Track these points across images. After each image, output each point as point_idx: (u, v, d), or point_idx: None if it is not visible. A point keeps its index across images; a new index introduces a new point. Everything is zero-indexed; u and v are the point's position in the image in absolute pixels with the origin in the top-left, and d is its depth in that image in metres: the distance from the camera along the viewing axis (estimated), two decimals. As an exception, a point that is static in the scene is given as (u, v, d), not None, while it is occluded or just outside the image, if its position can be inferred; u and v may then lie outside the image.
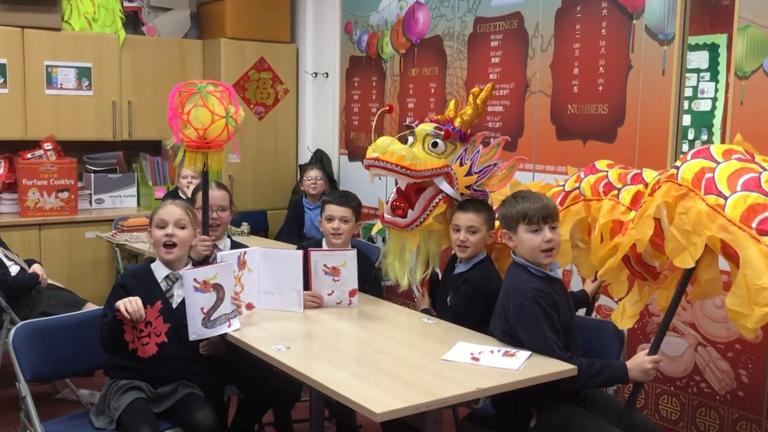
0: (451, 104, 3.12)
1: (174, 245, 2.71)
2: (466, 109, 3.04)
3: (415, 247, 3.06)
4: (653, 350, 2.49)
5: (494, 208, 3.01)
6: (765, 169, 2.22)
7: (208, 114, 3.08)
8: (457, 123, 3.00)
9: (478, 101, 3.02)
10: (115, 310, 2.53)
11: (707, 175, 2.24)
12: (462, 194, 2.99)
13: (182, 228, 2.73)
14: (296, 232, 4.95)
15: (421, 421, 2.20)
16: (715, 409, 3.33)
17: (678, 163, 2.35)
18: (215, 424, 2.58)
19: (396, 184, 3.07)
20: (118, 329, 2.57)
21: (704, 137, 3.29)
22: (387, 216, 3.06)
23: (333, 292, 3.00)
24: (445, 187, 2.97)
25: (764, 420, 3.15)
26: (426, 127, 2.99)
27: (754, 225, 2.10)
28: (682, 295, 2.45)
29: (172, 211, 2.74)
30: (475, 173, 2.98)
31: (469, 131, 3.03)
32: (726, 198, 2.17)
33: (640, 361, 2.46)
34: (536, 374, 2.28)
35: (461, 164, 2.97)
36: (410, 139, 3.03)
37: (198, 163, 3.22)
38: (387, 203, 3.09)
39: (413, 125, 3.06)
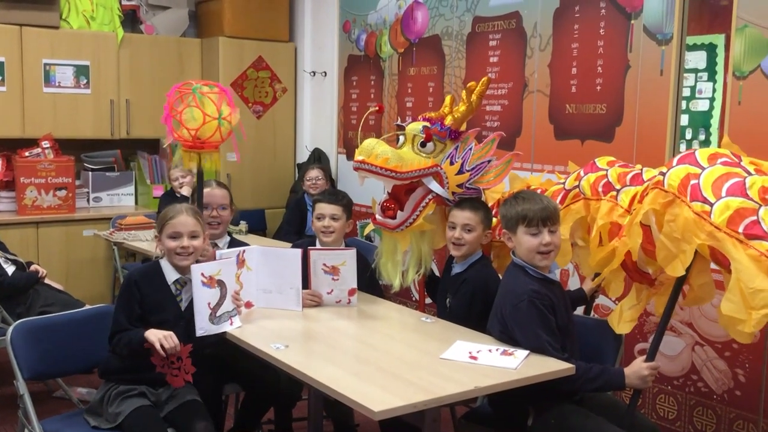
0: (447, 100, 3.07)
1: (190, 254, 2.71)
2: (459, 106, 2.99)
3: (407, 248, 3.06)
4: (650, 357, 2.48)
5: (490, 205, 3.00)
6: (750, 173, 2.22)
7: (201, 115, 3.08)
8: (447, 120, 2.96)
9: (473, 97, 2.97)
10: (144, 340, 2.51)
11: (692, 182, 2.23)
12: (454, 193, 2.97)
13: (195, 237, 2.73)
14: (296, 230, 4.95)
15: (420, 420, 2.20)
16: (712, 408, 3.34)
17: (664, 169, 2.34)
18: None
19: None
20: (143, 353, 2.54)
21: (702, 137, 3.30)
22: (378, 217, 3.05)
23: (332, 291, 3.00)
24: (434, 186, 2.95)
25: (761, 419, 3.16)
26: (415, 126, 2.97)
27: (740, 230, 2.10)
28: (675, 301, 2.44)
29: (185, 221, 2.71)
30: (467, 171, 2.95)
31: (462, 128, 3.00)
32: (712, 204, 2.16)
33: (637, 368, 2.46)
34: (534, 373, 2.29)
35: (452, 163, 2.94)
36: (401, 138, 3.01)
37: (193, 163, 3.23)
38: (378, 204, 3.09)
39: (404, 124, 3.05)
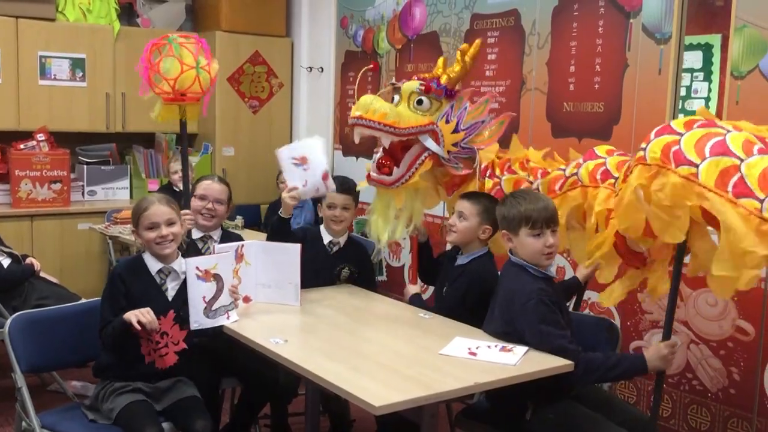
0: (440, 61, 3.06)
1: (170, 241, 2.71)
2: (454, 66, 3.00)
3: (401, 205, 3.04)
4: (666, 335, 2.45)
5: (483, 165, 2.98)
6: (729, 131, 2.20)
7: (178, 64, 3.08)
8: (443, 80, 2.96)
9: (466, 58, 2.98)
10: (125, 322, 2.50)
11: (674, 148, 2.21)
12: (449, 152, 2.97)
13: (172, 224, 2.72)
14: None
15: (417, 415, 2.21)
16: (706, 406, 3.36)
17: (643, 145, 2.32)
18: None
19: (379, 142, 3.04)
20: (129, 339, 2.54)
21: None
22: (373, 174, 3.04)
23: (306, 182, 3.02)
24: (430, 144, 2.95)
25: (755, 417, 3.18)
26: (411, 85, 2.97)
27: (729, 189, 2.08)
28: (681, 269, 2.42)
29: (160, 211, 2.70)
30: (462, 130, 2.96)
31: (456, 88, 3.00)
32: (697, 166, 2.14)
33: (656, 349, 2.42)
34: (534, 369, 2.30)
35: (447, 121, 2.95)
36: (396, 97, 3.01)
37: (174, 115, 3.22)
38: (373, 162, 3.07)
39: (399, 84, 3.04)
